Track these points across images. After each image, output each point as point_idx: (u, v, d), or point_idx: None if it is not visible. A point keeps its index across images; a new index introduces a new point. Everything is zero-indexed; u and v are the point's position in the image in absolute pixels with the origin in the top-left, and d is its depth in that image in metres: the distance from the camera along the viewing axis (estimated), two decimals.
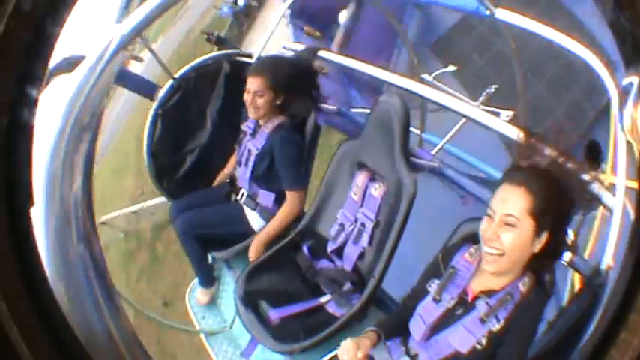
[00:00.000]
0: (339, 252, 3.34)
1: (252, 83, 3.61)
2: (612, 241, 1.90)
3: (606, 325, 1.05)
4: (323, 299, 3.33)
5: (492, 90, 4.76)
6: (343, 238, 3.32)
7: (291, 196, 3.62)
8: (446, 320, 2.42)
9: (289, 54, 4.14)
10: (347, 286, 3.27)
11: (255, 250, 3.60)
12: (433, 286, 2.49)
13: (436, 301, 2.46)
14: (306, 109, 3.68)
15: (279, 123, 3.64)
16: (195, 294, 4.03)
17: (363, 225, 3.21)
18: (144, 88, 4.01)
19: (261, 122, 3.71)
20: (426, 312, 2.48)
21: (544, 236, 2.21)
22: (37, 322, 1.03)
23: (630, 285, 1.03)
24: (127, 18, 1.65)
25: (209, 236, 3.84)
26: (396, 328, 2.66)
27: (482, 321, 2.31)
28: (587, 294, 2.11)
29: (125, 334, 1.34)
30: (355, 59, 3.87)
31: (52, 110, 1.27)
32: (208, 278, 3.96)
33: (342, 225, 3.34)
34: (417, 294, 2.61)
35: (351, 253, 3.26)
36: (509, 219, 2.20)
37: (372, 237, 3.17)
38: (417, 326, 2.49)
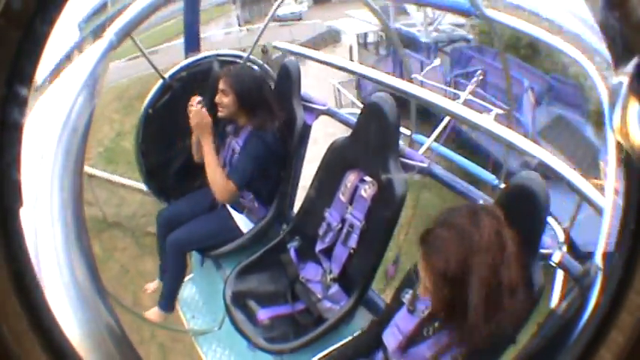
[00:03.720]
0: (328, 252, 3.34)
1: (221, 82, 3.68)
2: (602, 242, 1.91)
3: (596, 325, 1.05)
4: (308, 304, 3.34)
5: (480, 77, 4.78)
6: (331, 239, 3.32)
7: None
8: (421, 333, 2.38)
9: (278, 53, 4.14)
10: (334, 288, 3.27)
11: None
12: (407, 297, 2.47)
13: (410, 312, 2.44)
14: (265, 120, 3.70)
15: (262, 122, 3.66)
16: (150, 312, 3.99)
17: (351, 226, 3.21)
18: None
19: (240, 122, 3.73)
20: (402, 323, 2.46)
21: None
22: (26, 320, 1.03)
23: (620, 285, 1.04)
24: (117, 20, 1.65)
25: (200, 249, 3.87)
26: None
27: (460, 340, 2.23)
28: (576, 294, 2.11)
29: (115, 333, 1.33)
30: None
31: (42, 111, 1.26)
32: (171, 303, 3.97)
33: (329, 225, 3.34)
34: (392, 307, 2.60)
35: (340, 254, 3.26)
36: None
37: (360, 238, 3.17)
38: (393, 337, 2.48)
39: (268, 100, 3.70)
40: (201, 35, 4.50)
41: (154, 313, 3.97)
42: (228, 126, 3.82)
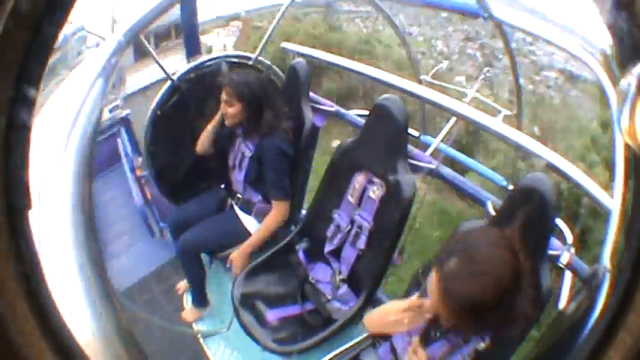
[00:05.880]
0: (337, 253, 3.34)
1: (223, 93, 3.67)
2: (610, 242, 1.90)
3: (604, 326, 1.05)
4: (316, 304, 3.34)
5: (488, 74, 4.76)
6: (339, 240, 3.32)
7: (276, 206, 3.65)
8: (429, 335, 2.36)
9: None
10: (343, 289, 3.27)
11: (238, 262, 3.63)
12: (413, 299, 2.45)
13: None
14: (272, 124, 3.67)
15: (270, 125, 3.65)
16: (185, 311, 4.04)
17: (360, 227, 3.21)
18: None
19: (249, 126, 3.72)
20: None
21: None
22: (35, 322, 1.03)
23: (628, 286, 1.03)
24: (126, 21, 1.66)
25: (209, 251, 3.87)
26: None
27: (467, 340, 2.26)
28: (584, 296, 2.11)
29: (123, 334, 1.34)
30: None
31: (51, 110, 1.27)
32: (202, 300, 3.98)
33: (337, 226, 3.35)
34: None
35: (349, 255, 3.27)
36: (439, 314, 2.12)
37: (369, 239, 3.17)
38: (401, 339, 2.48)
39: (274, 103, 3.69)
40: None
41: (190, 311, 4.02)
42: (236, 128, 3.82)
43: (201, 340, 3.88)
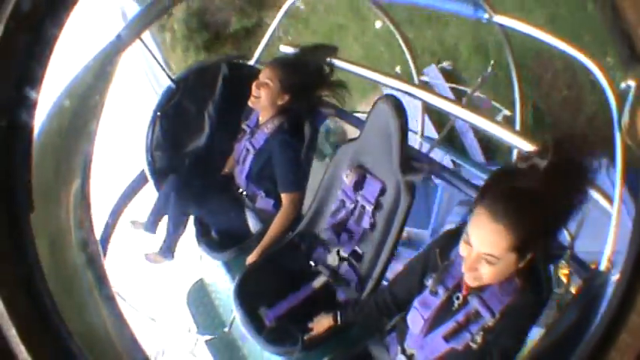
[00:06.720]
0: (338, 231, 3.37)
1: (263, 73, 3.57)
2: (611, 243, 1.90)
3: (606, 326, 1.05)
4: (316, 284, 3.33)
5: (488, 73, 4.73)
6: (343, 215, 3.35)
7: (287, 200, 3.59)
8: (442, 316, 2.39)
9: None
10: (344, 268, 3.27)
11: (255, 255, 3.58)
12: (430, 281, 2.45)
13: (433, 294, 2.43)
14: (308, 110, 3.65)
15: (279, 124, 3.60)
16: (150, 254, 4.01)
17: (363, 207, 3.22)
18: None
19: (261, 121, 3.69)
20: (423, 305, 2.45)
21: (529, 256, 2.11)
22: (35, 322, 1.03)
23: (630, 286, 1.03)
24: (125, 21, 1.66)
25: (200, 219, 3.87)
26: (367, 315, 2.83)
27: (476, 315, 2.28)
28: (586, 296, 2.11)
29: (124, 336, 1.34)
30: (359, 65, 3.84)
31: (46, 109, 1.27)
32: (170, 253, 3.96)
33: (342, 201, 3.37)
34: (407, 284, 2.63)
35: (352, 230, 3.32)
36: (488, 257, 2.08)
37: (373, 219, 3.20)
38: (416, 320, 2.48)
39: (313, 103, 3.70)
40: None
41: (155, 255, 4.03)
42: (245, 119, 3.83)
43: (202, 341, 3.88)
